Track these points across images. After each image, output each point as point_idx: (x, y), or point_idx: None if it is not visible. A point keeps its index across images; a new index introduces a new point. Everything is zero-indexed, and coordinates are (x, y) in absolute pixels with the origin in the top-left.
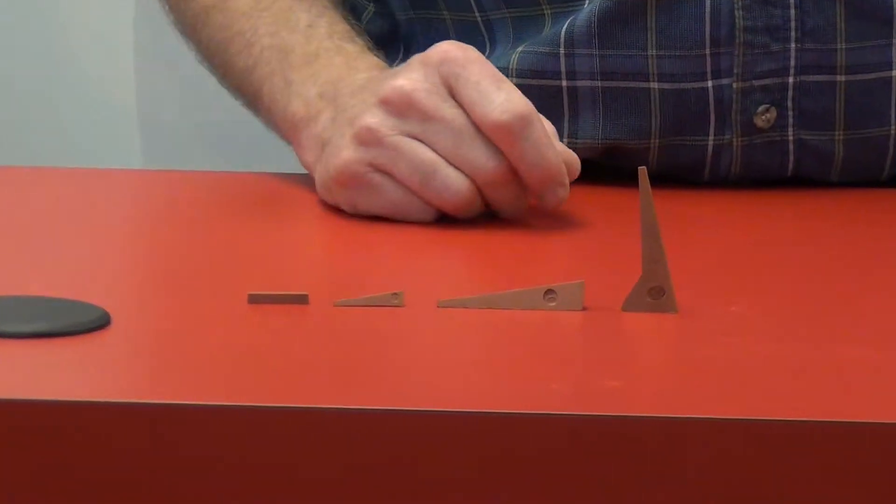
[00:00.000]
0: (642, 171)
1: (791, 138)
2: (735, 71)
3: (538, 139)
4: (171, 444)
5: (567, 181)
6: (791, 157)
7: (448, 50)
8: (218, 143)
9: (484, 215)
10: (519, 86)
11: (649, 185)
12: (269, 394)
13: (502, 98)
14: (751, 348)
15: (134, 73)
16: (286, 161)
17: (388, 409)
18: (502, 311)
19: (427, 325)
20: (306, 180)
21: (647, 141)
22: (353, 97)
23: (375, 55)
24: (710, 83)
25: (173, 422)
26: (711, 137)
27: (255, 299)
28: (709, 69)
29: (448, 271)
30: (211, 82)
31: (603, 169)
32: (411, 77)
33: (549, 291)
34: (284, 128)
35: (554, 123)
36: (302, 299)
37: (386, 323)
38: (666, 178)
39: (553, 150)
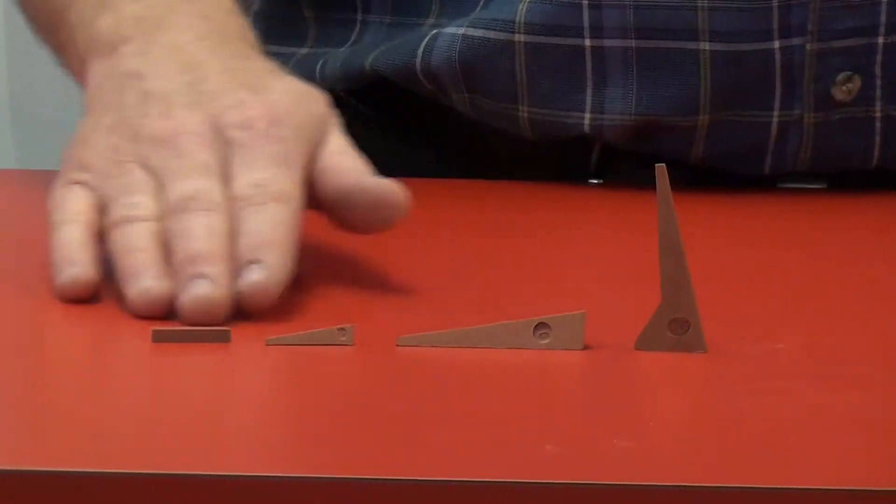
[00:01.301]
0: (660, 169)
1: (878, 115)
2: (809, 28)
3: (270, 216)
4: None
5: (276, 266)
6: (877, 140)
7: (254, 117)
8: None
9: (463, 228)
10: (528, 45)
11: (669, 187)
12: (179, 459)
13: (264, 175)
14: (801, 397)
15: (6, 59)
16: None
17: (335, 478)
18: (481, 351)
19: (383, 368)
20: None
21: (694, 117)
22: (168, 56)
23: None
24: (776, 43)
25: (49, 496)
26: (776, 113)
27: (160, 337)
28: (776, 26)
29: (411, 300)
30: None
31: (634, 158)
32: (187, 122)
33: (540, 325)
34: (82, 54)
35: (574, 94)
36: (222, 336)
37: (331, 367)
38: (716, 170)
39: (276, 232)
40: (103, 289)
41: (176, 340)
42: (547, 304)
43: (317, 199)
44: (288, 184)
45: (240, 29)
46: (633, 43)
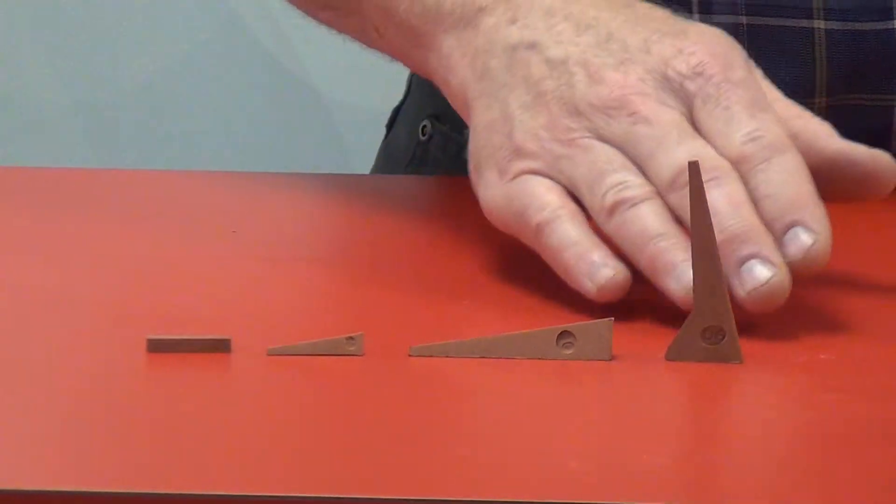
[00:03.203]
0: (693, 166)
1: None
2: None
3: (783, 170)
4: None
5: (818, 223)
6: None
7: (705, 62)
8: (95, 130)
9: (469, 223)
10: None
11: (703, 185)
12: (176, 479)
13: (753, 126)
14: (848, 412)
15: None
16: (186, 155)
17: (344, 498)
18: (499, 362)
19: (396, 380)
20: (216, 179)
21: (811, 100)
22: (547, 20)
23: None
24: None
25: None
26: None
27: (156, 346)
28: (895, 4)
29: (425, 307)
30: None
31: None
32: (634, 84)
33: (564, 334)
34: (416, 23)
35: None
36: (222, 346)
37: (339, 378)
38: None
39: (799, 186)
40: (97, 289)
41: (172, 350)
42: (571, 310)
43: None
44: (777, 129)
45: None
46: (743, 20)
